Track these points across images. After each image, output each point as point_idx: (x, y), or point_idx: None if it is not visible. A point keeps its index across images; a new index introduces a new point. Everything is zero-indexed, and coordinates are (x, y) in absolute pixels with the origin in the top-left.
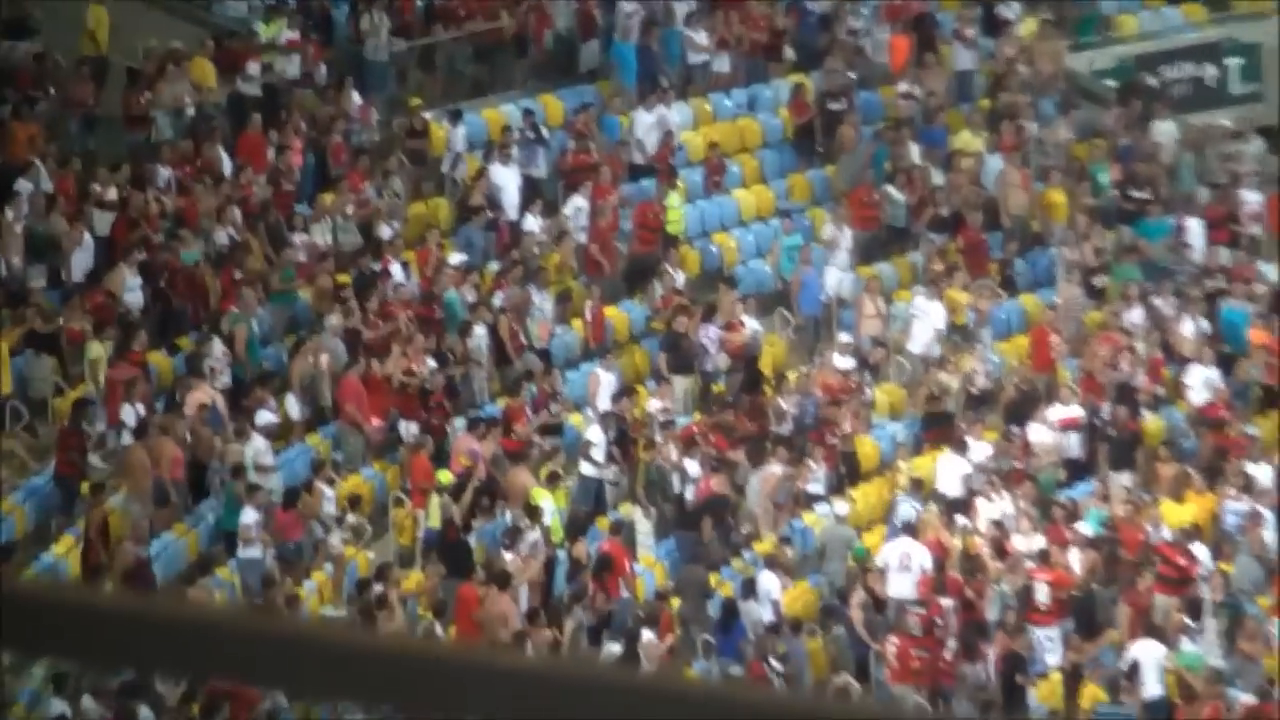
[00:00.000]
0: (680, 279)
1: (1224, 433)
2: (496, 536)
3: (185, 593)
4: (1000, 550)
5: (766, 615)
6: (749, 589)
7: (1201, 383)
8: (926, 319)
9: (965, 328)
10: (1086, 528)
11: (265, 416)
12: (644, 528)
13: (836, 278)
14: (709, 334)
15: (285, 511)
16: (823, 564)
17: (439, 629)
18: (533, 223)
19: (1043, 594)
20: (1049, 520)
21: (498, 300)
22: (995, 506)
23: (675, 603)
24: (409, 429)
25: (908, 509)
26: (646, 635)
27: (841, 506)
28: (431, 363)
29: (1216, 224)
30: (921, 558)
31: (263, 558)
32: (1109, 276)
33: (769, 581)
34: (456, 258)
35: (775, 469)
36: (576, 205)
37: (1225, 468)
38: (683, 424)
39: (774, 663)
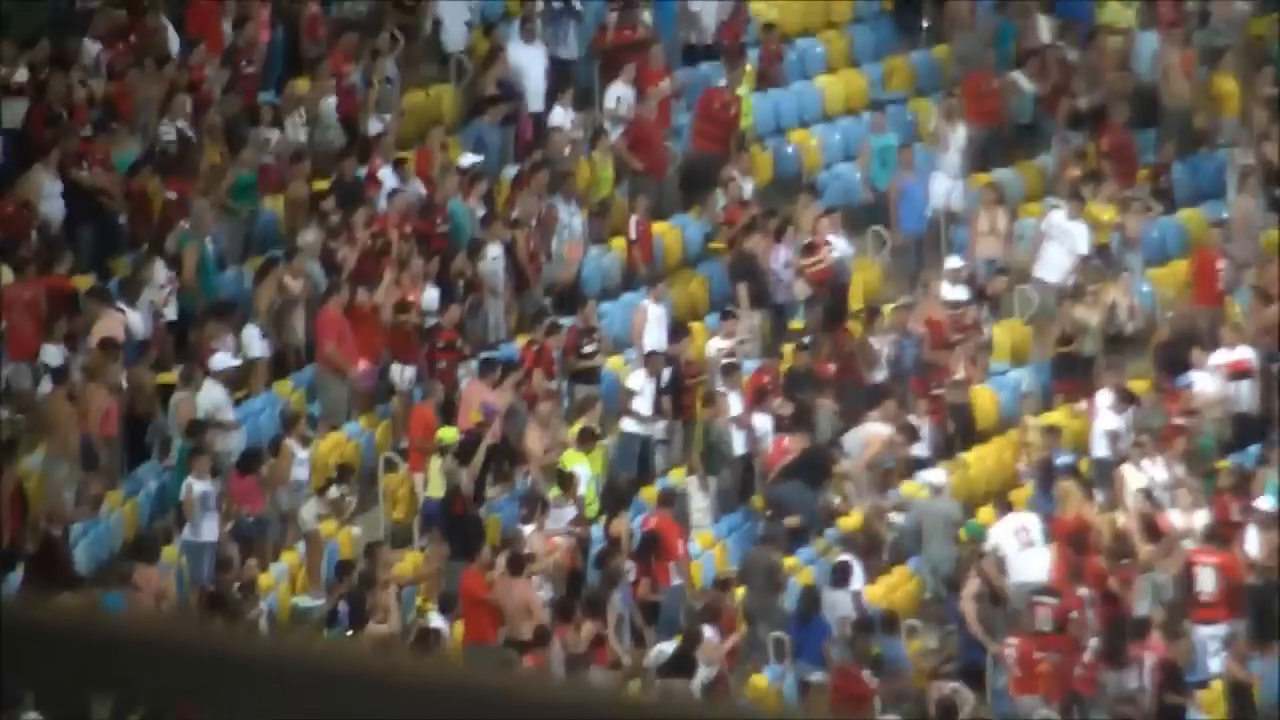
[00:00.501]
0: (749, 187)
1: None
2: (515, 509)
3: (126, 578)
4: (1152, 529)
5: (850, 608)
6: (841, 576)
7: None
8: (1060, 239)
9: (1108, 250)
10: (1264, 501)
11: (222, 359)
12: (700, 499)
13: (945, 187)
14: (784, 257)
15: (245, 477)
16: (923, 546)
17: (442, 623)
18: (562, 116)
19: (1207, 583)
20: (1214, 492)
21: (517, 213)
22: (1146, 474)
23: (740, 593)
24: (404, 374)
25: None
26: (705, 632)
27: (939, 475)
28: (433, 292)
29: None
30: (1040, 531)
31: (217, 536)
32: None
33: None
34: (465, 159)
35: (880, 428)
36: (618, 94)
37: None
38: (751, 369)
39: (865, 668)
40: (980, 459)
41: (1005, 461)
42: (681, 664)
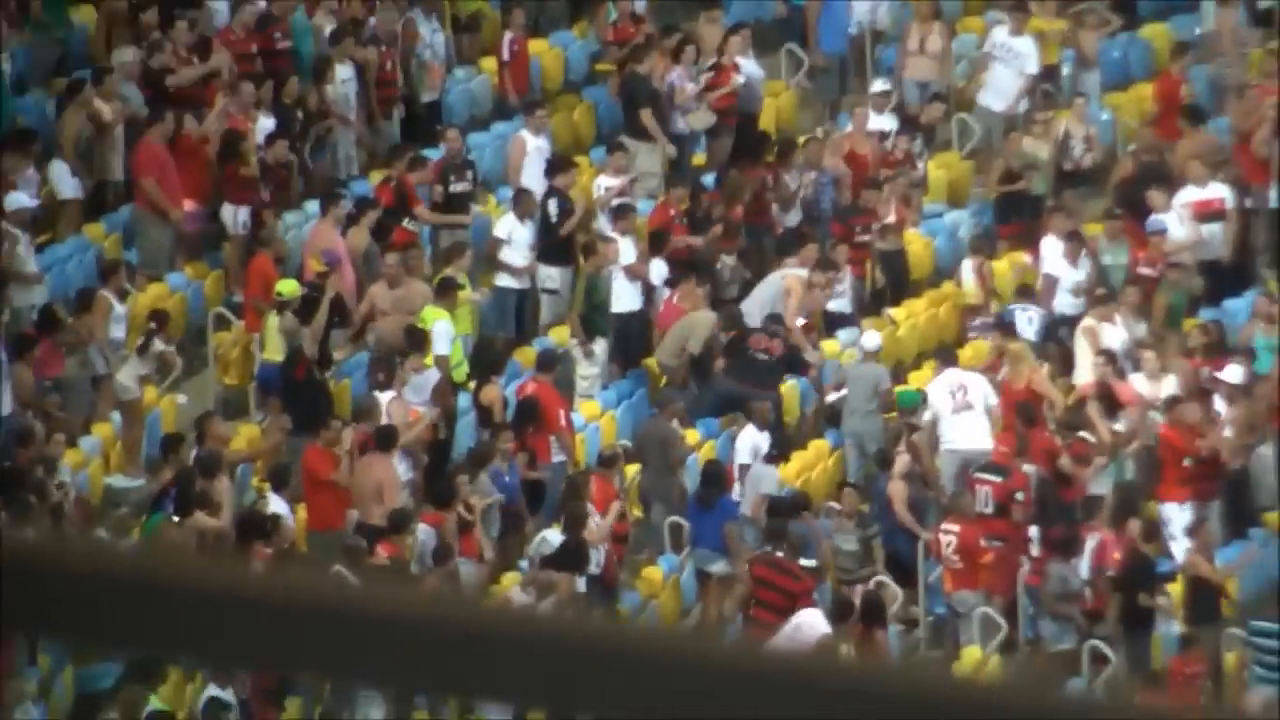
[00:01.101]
0: (641, 1)
1: None
2: (367, 373)
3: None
4: (1112, 398)
5: (765, 488)
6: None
7: None
8: (1005, 60)
9: (1059, 71)
10: (1231, 371)
11: (18, 199)
12: (585, 365)
13: (867, 2)
14: (683, 79)
15: (45, 337)
16: (846, 418)
17: (282, 506)
18: None
19: (1175, 460)
20: (1185, 353)
21: (370, 28)
22: (1107, 333)
23: (632, 471)
24: (238, 216)
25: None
26: (591, 519)
27: (872, 337)
28: (270, 120)
29: None
30: (984, 390)
31: (11, 407)
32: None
33: (753, 440)
34: None
35: (798, 272)
36: None
37: None
38: (646, 211)
39: (778, 557)
40: (912, 315)
41: (941, 319)
42: (570, 556)
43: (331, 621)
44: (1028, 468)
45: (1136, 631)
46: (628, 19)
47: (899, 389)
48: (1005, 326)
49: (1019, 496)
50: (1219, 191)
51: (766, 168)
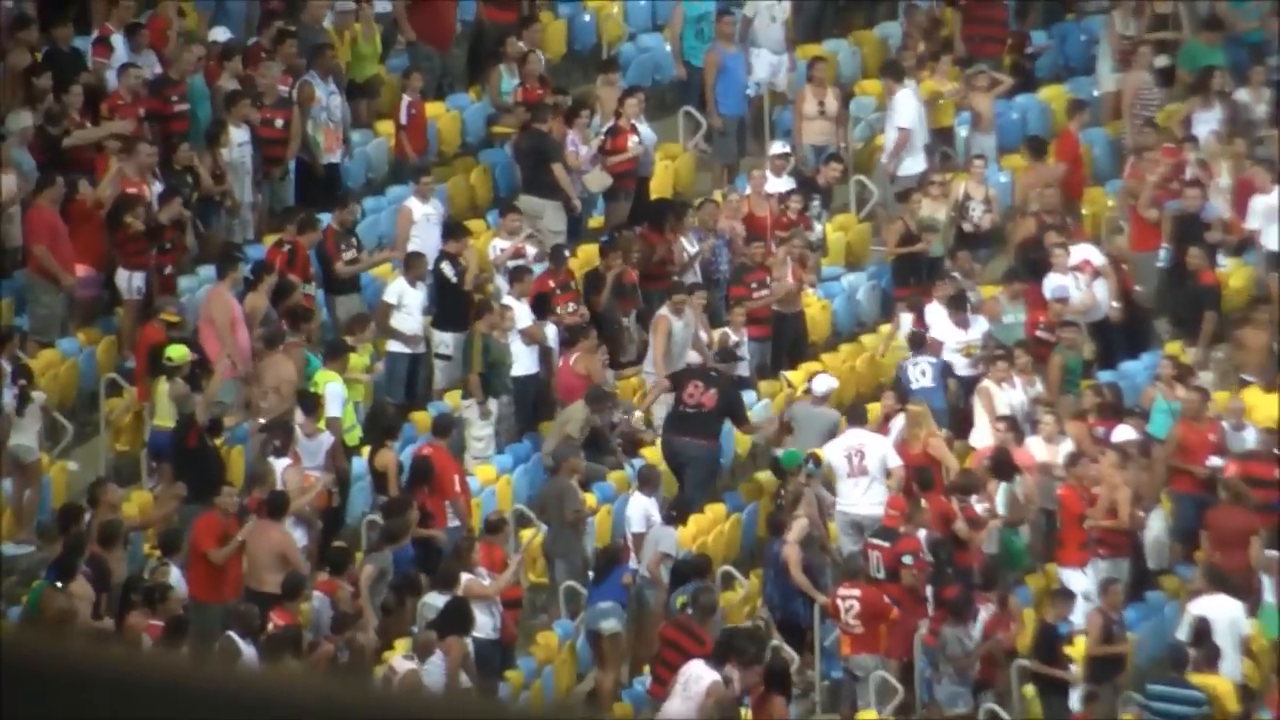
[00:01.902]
0: (540, 61)
1: (1261, 339)
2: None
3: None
4: (1006, 464)
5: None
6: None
7: (1263, 212)
8: (902, 121)
9: (955, 134)
10: (1122, 431)
11: None
12: (480, 427)
13: (769, 62)
14: (578, 143)
15: None
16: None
17: (175, 573)
18: None
19: (1074, 524)
20: (1080, 416)
21: (264, 91)
22: (1001, 396)
23: (527, 535)
24: (131, 281)
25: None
26: (464, 579)
27: (823, 381)
28: (160, 185)
29: None
30: (882, 454)
31: None
32: (1176, 61)
33: (643, 506)
34: (219, 33)
35: (664, 312)
36: None
37: None
38: (542, 274)
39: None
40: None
41: (859, 374)
42: (453, 618)
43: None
44: (922, 532)
45: (1051, 696)
46: (535, 80)
47: (783, 450)
48: (898, 387)
49: (906, 560)
50: (1097, 253)
51: (660, 233)
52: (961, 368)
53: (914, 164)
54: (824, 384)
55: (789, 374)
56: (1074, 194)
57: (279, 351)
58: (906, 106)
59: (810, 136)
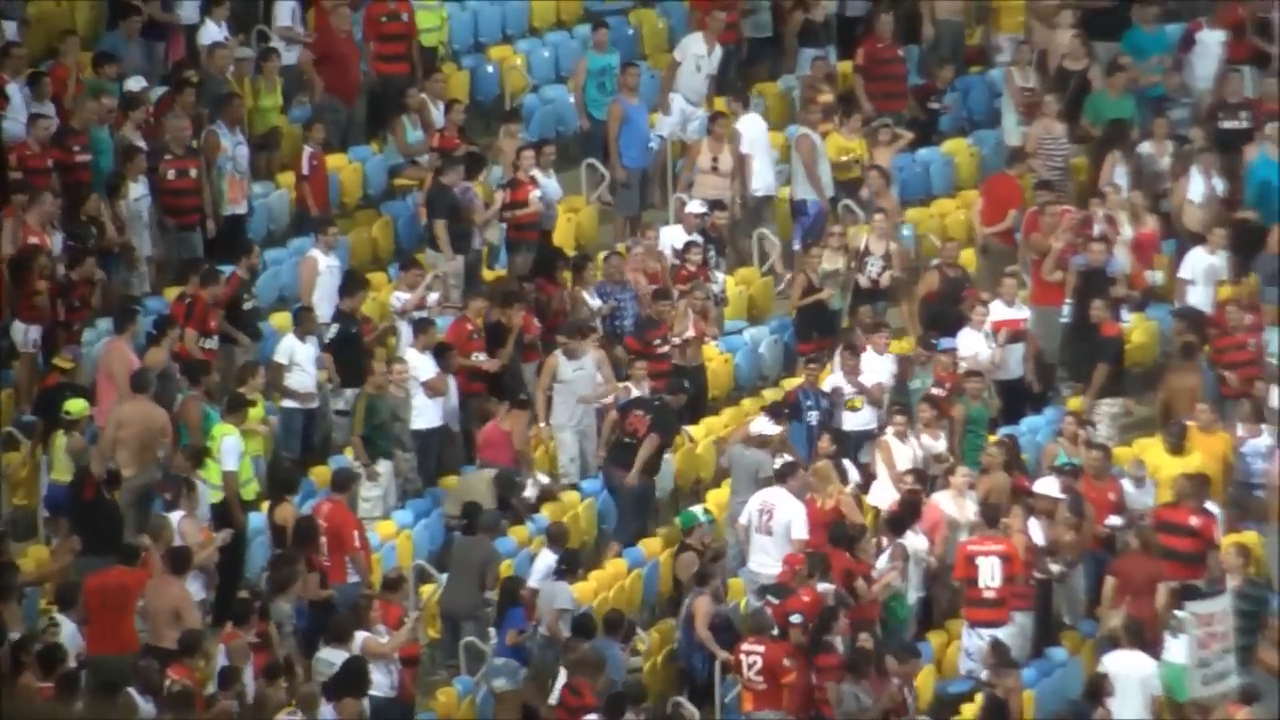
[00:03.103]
0: (439, 115)
1: (1241, 344)
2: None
3: None
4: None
5: (560, 604)
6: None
7: (1205, 270)
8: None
9: (859, 186)
10: (1045, 483)
11: None
12: (368, 488)
13: (682, 110)
14: (472, 195)
15: None
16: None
17: (70, 629)
18: (215, 32)
19: (991, 577)
20: (983, 470)
21: (168, 142)
22: (900, 450)
23: (427, 591)
24: (28, 334)
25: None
26: (380, 638)
27: (759, 423)
28: (59, 236)
29: (1236, 34)
30: (789, 518)
31: None
32: (1082, 112)
33: (547, 561)
34: (136, 83)
35: (556, 357)
36: (292, 8)
37: (1248, 393)
38: (446, 326)
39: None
40: (710, 433)
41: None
42: (350, 679)
43: None
44: (823, 586)
45: None
46: (454, 129)
47: (682, 510)
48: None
49: (795, 619)
50: (1023, 312)
51: (554, 283)
52: (859, 422)
53: (764, 185)
54: (762, 426)
55: (689, 428)
56: (1009, 241)
57: (146, 399)
58: (747, 134)
59: (702, 191)
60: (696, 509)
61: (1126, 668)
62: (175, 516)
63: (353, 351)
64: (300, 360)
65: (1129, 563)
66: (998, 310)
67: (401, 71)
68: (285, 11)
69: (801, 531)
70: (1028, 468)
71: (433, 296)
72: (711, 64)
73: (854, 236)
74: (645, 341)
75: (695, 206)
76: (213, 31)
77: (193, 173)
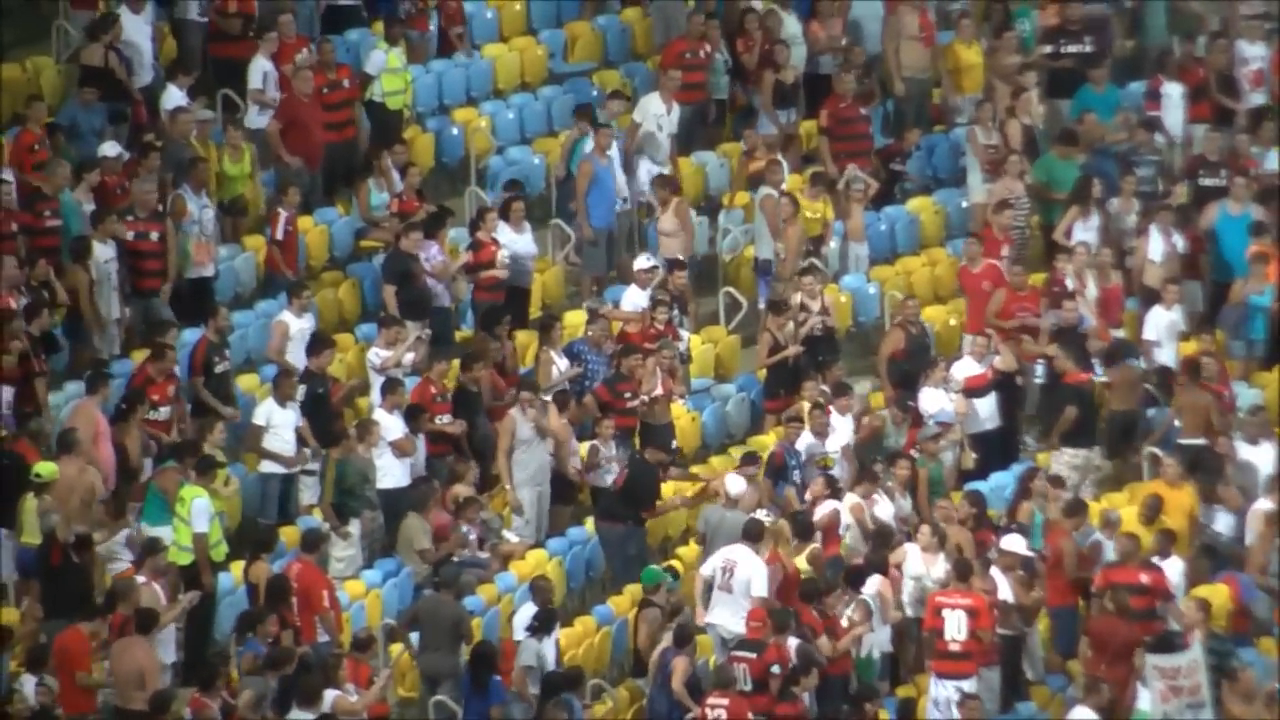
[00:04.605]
0: (418, 175)
1: (1203, 399)
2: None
3: None
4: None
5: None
6: (546, 621)
7: (1167, 327)
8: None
9: (823, 244)
10: (1012, 540)
11: None
12: (341, 548)
13: (649, 171)
14: (440, 254)
15: None
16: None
17: (35, 691)
18: (178, 96)
19: (957, 629)
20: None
21: (133, 206)
22: (881, 509)
23: (396, 649)
24: (1, 396)
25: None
26: (349, 697)
27: (735, 482)
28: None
29: (1198, 92)
30: (749, 575)
31: None
32: (1035, 172)
33: (525, 615)
34: (110, 148)
35: (512, 411)
36: (263, 70)
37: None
38: (413, 387)
39: None
40: (679, 491)
41: (709, 495)
42: None
43: None
44: (792, 641)
45: None
46: (412, 192)
47: (645, 568)
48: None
49: (775, 670)
50: (991, 361)
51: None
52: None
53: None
54: (736, 485)
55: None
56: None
57: (74, 458)
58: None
59: (667, 250)
60: (657, 568)
61: None
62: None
63: (321, 412)
64: (278, 424)
65: (1103, 625)
66: (968, 367)
67: (349, 138)
68: (257, 75)
69: (761, 589)
70: (994, 524)
71: (409, 357)
72: (671, 123)
73: (788, 294)
74: (615, 393)
75: (643, 261)
76: (175, 96)
77: (154, 235)
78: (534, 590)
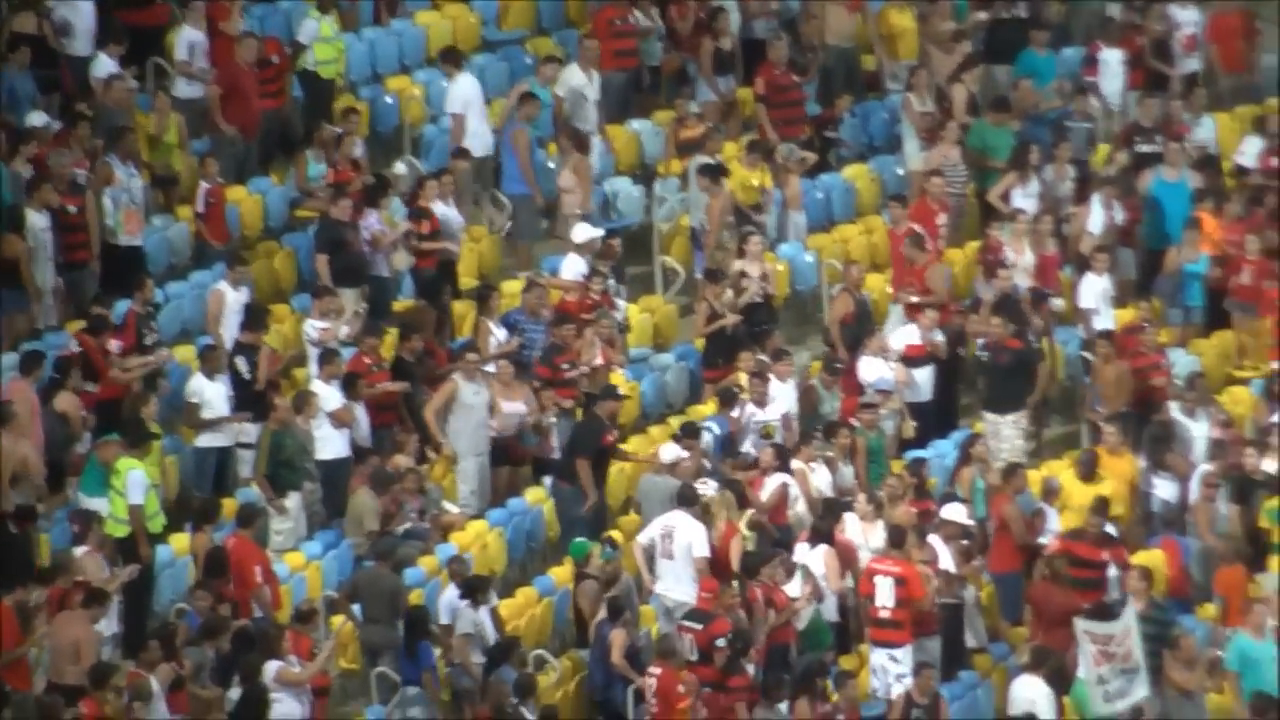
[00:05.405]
0: (356, 144)
1: (1143, 367)
2: (67, 527)
3: None
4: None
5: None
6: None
7: (1101, 294)
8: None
9: (761, 212)
10: (959, 509)
11: None
12: (279, 521)
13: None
14: (379, 223)
15: None
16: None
17: None
18: (109, 65)
19: (885, 597)
20: (891, 496)
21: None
22: (819, 477)
23: (338, 621)
24: None
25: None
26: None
27: (669, 449)
28: None
29: (1134, 58)
30: (689, 539)
31: None
32: (970, 139)
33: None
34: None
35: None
36: (189, 40)
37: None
38: (349, 357)
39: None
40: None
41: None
42: (247, 708)
43: None
44: (741, 613)
45: None
46: (347, 162)
47: (574, 540)
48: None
49: (720, 643)
50: (935, 337)
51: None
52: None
53: (481, 146)
54: (670, 453)
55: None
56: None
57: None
58: (458, 91)
59: (566, 207)
60: (584, 540)
61: (1022, 693)
62: (81, 550)
63: (253, 387)
64: (209, 398)
65: (1040, 591)
66: (909, 335)
67: (280, 106)
68: (183, 46)
69: (703, 550)
70: (933, 493)
71: (344, 330)
72: (594, 90)
73: (725, 261)
74: (554, 368)
75: (582, 232)
76: (106, 64)
77: (72, 209)
78: (449, 571)
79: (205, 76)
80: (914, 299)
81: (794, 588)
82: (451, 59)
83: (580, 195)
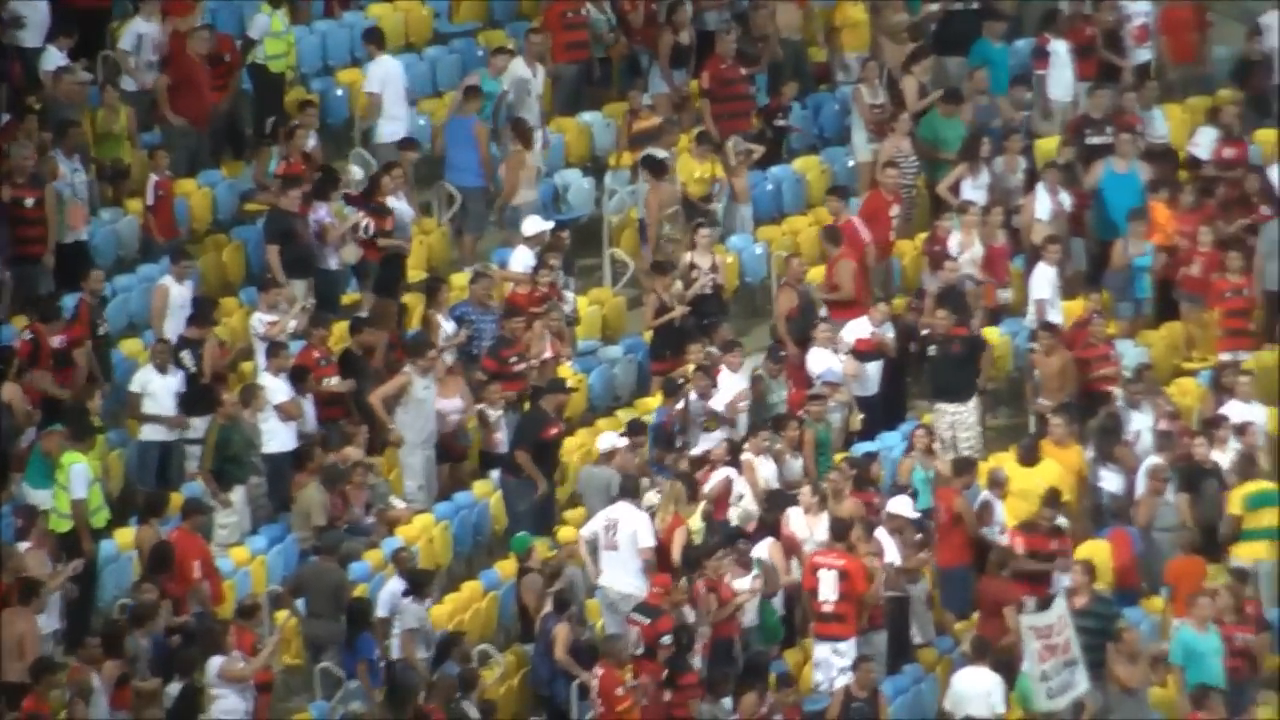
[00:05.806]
0: (308, 137)
1: (1090, 359)
2: (10, 523)
3: None
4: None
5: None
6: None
7: (1053, 284)
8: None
9: (710, 203)
10: (904, 502)
11: None
12: (224, 515)
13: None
14: (330, 215)
15: None
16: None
17: None
18: (58, 57)
19: (829, 590)
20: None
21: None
22: (765, 469)
23: (281, 616)
24: None
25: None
26: (234, 663)
27: (607, 438)
28: None
29: (1084, 49)
30: (634, 529)
31: None
32: (921, 131)
33: (391, 589)
34: None
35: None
36: (139, 33)
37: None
38: (298, 350)
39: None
40: (566, 455)
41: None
42: (185, 705)
43: None
44: (688, 609)
45: None
46: (298, 154)
47: (515, 535)
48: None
49: (665, 640)
50: (887, 330)
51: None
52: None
53: (393, 130)
54: (607, 442)
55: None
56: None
57: None
58: (376, 70)
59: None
60: (525, 534)
61: (971, 685)
62: (24, 546)
63: (199, 381)
64: (155, 391)
65: (993, 585)
66: (860, 328)
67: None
68: (130, 37)
69: (648, 540)
70: (880, 485)
71: (292, 324)
72: (538, 85)
73: (676, 253)
74: (501, 360)
75: (531, 225)
76: (55, 57)
77: (28, 201)
78: (395, 561)
79: (146, 72)
80: (826, 296)
81: (742, 581)
82: (374, 39)
83: (510, 188)
